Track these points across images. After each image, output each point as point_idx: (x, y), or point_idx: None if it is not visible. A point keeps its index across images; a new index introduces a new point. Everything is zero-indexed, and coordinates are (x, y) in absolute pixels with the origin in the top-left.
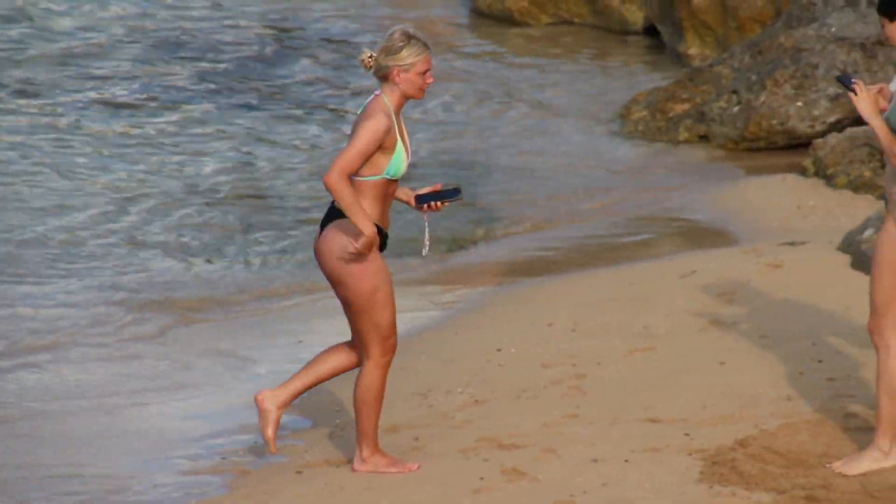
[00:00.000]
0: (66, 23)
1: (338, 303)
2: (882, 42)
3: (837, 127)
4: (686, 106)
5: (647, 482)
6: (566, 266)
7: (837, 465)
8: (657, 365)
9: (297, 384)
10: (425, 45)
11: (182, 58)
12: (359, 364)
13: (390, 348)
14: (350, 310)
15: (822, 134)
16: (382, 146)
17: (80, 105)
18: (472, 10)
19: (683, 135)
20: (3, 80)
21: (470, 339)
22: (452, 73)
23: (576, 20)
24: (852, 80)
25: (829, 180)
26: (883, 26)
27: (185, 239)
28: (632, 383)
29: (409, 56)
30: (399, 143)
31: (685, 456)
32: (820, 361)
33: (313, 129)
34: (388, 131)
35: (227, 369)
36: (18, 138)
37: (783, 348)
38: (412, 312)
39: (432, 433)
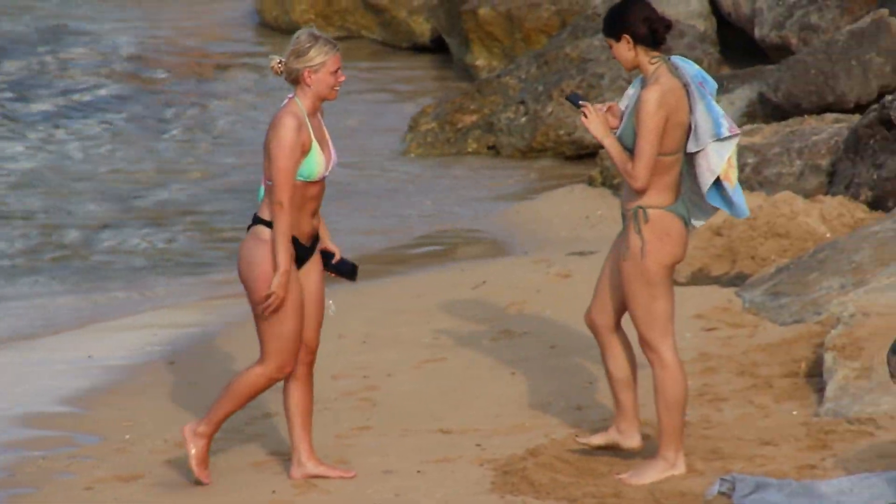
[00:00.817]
0: None
1: None
2: (665, 53)
3: None
4: (474, 117)
5: (438, 492)
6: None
7: (625, 477)
8: (448, 376)
9: (217, 413)
10: (333, 45)
11: None
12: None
13: (287, 366)
14: (253, 314)
15: None
16: None
17: None
18: (259, 23)
19: (472, 146)
20: None
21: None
22: (230, 91)
23: (363, 33)
24: (580, 100)
25: (617, 190)
26: (611, 47)
27: None
28: (423, 394)
29: (317, 56)
30: (314, 145)
31: (477, 466)
32: None
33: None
34: (298, 130)
35: None
36: None
37: (573, 358)
38: (203, 327)
39: (224, 447)
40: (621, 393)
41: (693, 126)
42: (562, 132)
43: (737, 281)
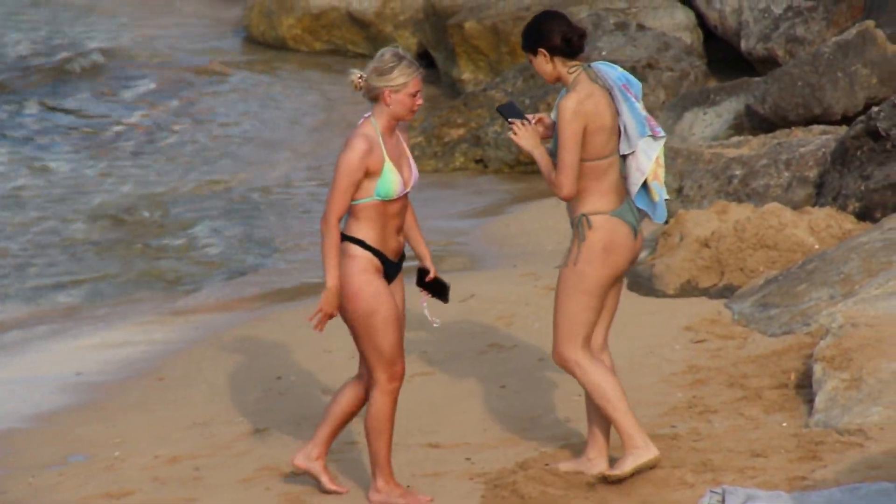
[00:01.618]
0: None
1: None
2: (651, 65)
3: None
4: (461, 131)
5: None
6: None
7: (609, 473)
8: (437, 390)
9: (323, 433)
10: (415, 67)
11: None
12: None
13: (397, 375)
14: (351, 334)
15: None
16: (368, 170)
17: None
18: (246, 38)
19: (459, 160)
20: None
21: (250, 368)
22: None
23: (349, 47)
24: (514, 112)
25: None
26: (530, 61)
27: None
28: (413, 408)
29: (399, 77)
30: (387, 165)
31: (466, 480)
32: None
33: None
34: (367, 155)
35: None
36: None
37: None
38: (185, 342)
39: (213, 463)
40: (599, 418)
41: (622, 128)
42: (549, 146)
43: (725, 293)
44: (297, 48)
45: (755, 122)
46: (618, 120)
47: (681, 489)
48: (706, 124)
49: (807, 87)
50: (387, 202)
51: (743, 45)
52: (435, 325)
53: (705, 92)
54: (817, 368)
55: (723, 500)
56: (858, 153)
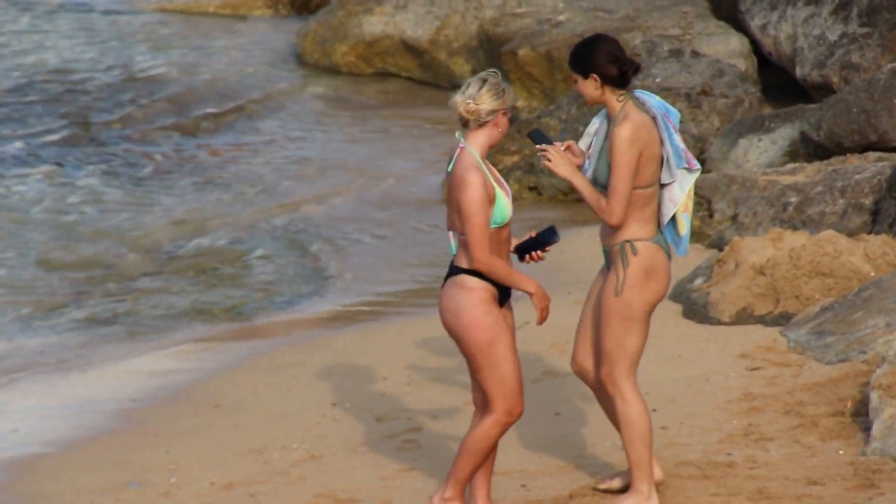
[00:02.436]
0: None
1: None
2: (706, 92)
3: None
4: (515, 158)
5: None
6: (395, 315)
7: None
8: None
9: (457, 473)
10: (509, 94)
11: None
12: None
13: (516, 411)
14: (471, 366)
15: None
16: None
17: None
18: (299, 64)
19: (514, 186)
20: None
21: (304, 395)
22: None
23: (403, 74)
24: (543, 139)
25: None
26: (576, 81)
27: None
28: None
29: (510, 98)
30: (498, 191)
31: None
32: (654, 410)
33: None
34: (485, 185)
35: None
36: None
37: None
38: (239, 369)
39: (268, 490)
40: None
41: (665, 157)
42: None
43: (781, 320)
44: (350, 74)
45: (810, 149)
46: (661, 149)
47: None
48: (761, 151)
49: (862, 113)
50: (500, 228)
51: (798, 71)
52: (524, 324)
53: (760, 119)
54: (874, 396)
55: None
56: None
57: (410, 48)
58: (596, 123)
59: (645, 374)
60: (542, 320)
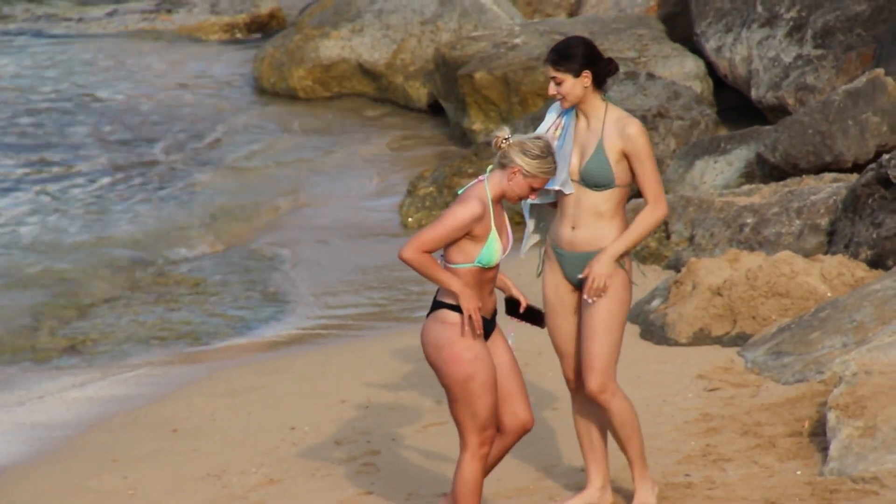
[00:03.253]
0: None
1: None
2: (662, 114)
3: None
4: (472, 181)
5: None
6: (353, 337)
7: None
8: (451, 439)
9: None
10: (553, 170)
11: None
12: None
13: (488, 439)
14: (448, 397)
15: None
16: (472, 234)
17: None
18: (256, 88)
19: None
20: None
21: (263, 419)
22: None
23: (360, 98)
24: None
25: None
26: (558, 80)
27: None
28: (426, 459)
29: (536, 168)
30: (493, 233)
31: None
32: None
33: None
34: (478, 219)
35: None
36: None
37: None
38: (198, 393)
39: None
40: (601, 447)
41: None
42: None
43: (738, 341)
44: (307, 98)
45: (766, 171)
46: None
47: None
48: (717, 173)
49: (817, 135)
50: (484, 269)
51: (753, 93)
52: (511, 342)
53: (716, 140)
54: (831, 416)
55: None
56: (870, 201)
57: (367, 72)
58: (552, 120)
59: None
60: (464, 326)
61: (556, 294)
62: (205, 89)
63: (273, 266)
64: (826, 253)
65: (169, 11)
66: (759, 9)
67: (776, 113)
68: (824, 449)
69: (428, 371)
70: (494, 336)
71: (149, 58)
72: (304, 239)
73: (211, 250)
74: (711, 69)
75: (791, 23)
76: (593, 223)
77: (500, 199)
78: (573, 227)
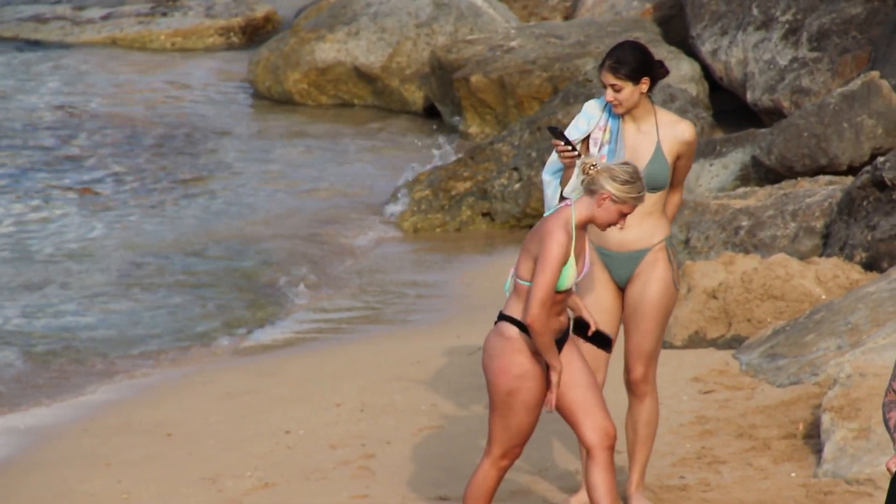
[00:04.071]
0: None
1: None
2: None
3: None
4: (468, 184)
5: None
6: (348, 341)
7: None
8: (446, 443)
9: None
10: (643, 196)
11: None
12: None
13: (511, 454)
14: (489, 404)
15: None
16: None
17: None
18: (252, 93)
19: (466, 213)
20: None
21: (257, 422)
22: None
23: (356, 101)
24: (562, 136)
25: None
26: (618, 88)
27: None
28: (421, 462)
29: (626, 194)
30: (570, 260)
31: None
32: None
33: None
34: (566, 245)
35: None
36: None
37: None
38: (192, 397)
39: None
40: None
41: None
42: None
43: (733, 343)
44: (303, 102)
45: (761, 174)
46: None
47: None
48: (712, 175)
49: (812, 137)
50: (555, 293)
51: (748, 96)
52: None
53: (711, 143)
54: (826, 418)
55: None
56: (865, 203)
57: (363, 75)
58: (593, 120)
59: None
60: (551, 403)
61: (595, 297)
62: (199, 93)
63: (268, 269)
64: (821, 255)
65: (164, 14)
66: (755, 12)
67: (772, 116)
68: (819, 451)
69: (423, 375)
70: (570, 353)
71: (142, 62)
72: (298, 242)
73: (204, 254)
74: (707, 72)
75: (786, 25)
76: (642, 222)
77: (585, 225)
78: (621, 228)
